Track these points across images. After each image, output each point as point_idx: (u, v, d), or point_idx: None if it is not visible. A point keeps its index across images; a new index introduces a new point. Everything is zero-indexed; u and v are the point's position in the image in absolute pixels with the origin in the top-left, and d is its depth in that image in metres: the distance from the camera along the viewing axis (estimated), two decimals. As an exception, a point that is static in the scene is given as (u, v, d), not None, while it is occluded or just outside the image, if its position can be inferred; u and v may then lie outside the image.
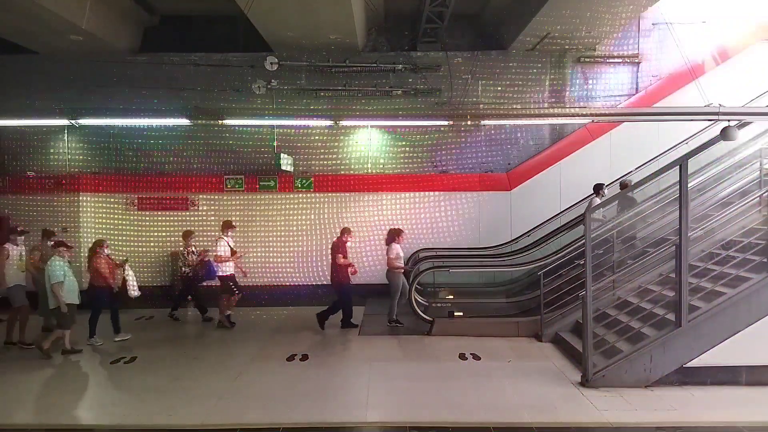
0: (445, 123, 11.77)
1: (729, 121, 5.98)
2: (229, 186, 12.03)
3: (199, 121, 8.21)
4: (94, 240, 9.37)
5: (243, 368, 7.20)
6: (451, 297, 11.10)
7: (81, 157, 12.18)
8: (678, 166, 6.20)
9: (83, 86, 11.69)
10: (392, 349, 8.19)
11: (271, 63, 11.55)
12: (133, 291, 8.85)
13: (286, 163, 11.56)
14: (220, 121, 6.80)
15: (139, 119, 8.76)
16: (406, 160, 12.32)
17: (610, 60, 12.23)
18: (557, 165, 12.05)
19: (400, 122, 11.67)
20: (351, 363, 7.53)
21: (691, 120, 7.78)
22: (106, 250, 8.61)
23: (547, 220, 11.48)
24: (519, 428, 5.38)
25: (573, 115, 9.56)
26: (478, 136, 12.27)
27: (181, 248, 10.38)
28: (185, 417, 5.70)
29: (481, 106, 12.00)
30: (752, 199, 7.20)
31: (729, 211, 7.29)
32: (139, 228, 11.93)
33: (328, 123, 11.67)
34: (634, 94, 12.17)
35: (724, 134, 5.97)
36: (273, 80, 11.69)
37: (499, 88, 12.15)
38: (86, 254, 9.13)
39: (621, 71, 12.28)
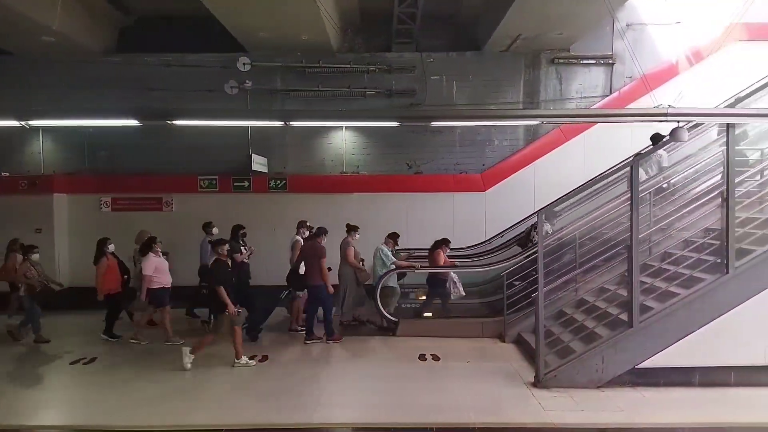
0: (420, 124, 11.76)
1: (678, 122, 5.99)
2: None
3: (149, 122, 8.17)
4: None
5: (202, 369, 7.17)
6: (424, 297, 11.04)
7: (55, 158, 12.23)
8: (630, 168, 6.23)
9: (56, 87, 11.67)
10: (354, 349, 8.19)
11: (244, 63, 11.55)
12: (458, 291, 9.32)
13: (259, 163, 11.54)
14: (170, 122, 6.78)
15: (88, 120, 8.70)
16: (379, 161, 12.31)
17: (585, 61, 12.23)
18: (531, 165, 12.05)
19: (373, 123, 11.64)
20: (310, 364, 7.52)
21: (641, 121, 7.77)
22: (447, 250, 9.51)
23: (521, 221, 11.46)
24: (461, 428, 5.38)
25: (523, 116, 9.65)
26: (452, 137, 12.26)
27: None
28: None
29: (455, 106, 12.02)
30: (711, 197, 7.19)
31: (686, 212, 7.31)
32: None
33: (301, 124, 11.61)
34: (608, 95, 12.17)
35: (674, 135, 5.98)
36: (247, 81, 11.67)
37: (474, 89, 12.15)
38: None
39: (595, 72, 12.28)
